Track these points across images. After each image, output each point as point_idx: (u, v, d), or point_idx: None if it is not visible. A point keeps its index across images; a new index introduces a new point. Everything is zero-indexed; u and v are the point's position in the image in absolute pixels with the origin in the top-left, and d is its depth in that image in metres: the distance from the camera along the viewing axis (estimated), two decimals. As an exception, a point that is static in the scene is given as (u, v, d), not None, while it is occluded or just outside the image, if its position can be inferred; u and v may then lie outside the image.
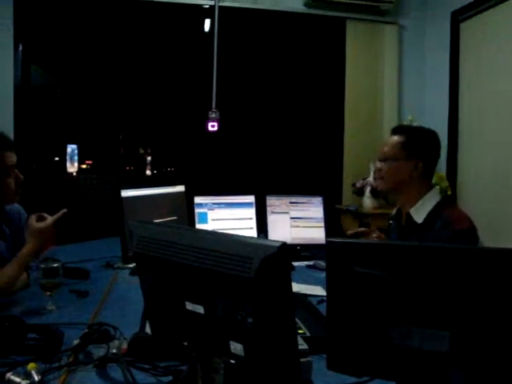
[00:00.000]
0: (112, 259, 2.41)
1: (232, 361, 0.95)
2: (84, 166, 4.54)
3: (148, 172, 5.27)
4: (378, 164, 1.96)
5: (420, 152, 1.88)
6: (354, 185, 4.19)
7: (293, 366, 0.91)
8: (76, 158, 4.30)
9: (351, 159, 4.37)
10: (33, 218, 1.81)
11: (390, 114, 4.33)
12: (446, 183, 3.77)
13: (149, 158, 4.99)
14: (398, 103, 4.40)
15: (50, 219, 1.83)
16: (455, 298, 0.86)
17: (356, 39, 4.32)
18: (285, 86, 4.91)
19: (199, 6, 4.31)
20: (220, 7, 4.22)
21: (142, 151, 5.26)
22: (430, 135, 1.94)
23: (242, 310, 0.87)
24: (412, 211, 1.87)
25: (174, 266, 0.96)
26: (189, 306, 0.97)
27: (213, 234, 1.00)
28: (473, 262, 0.86)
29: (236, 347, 0.93)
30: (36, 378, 1.10)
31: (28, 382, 1.09)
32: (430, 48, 4.42)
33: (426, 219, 1.83)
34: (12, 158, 1.81)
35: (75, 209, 4.08)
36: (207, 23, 4.46)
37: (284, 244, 0.83)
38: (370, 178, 3.84)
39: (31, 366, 1.14)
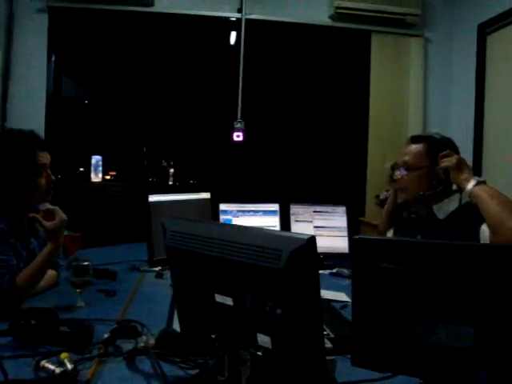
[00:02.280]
0: (137, 263, 2.46)
1: (259, 353, 0.97)
2: (108, 177, 4.62)
3: (170, 183, 5.34)
4: (398, 174, 1.95)
5: (441, 157, 1.84)
6: (377, 196, 4.17)
7: (319, 360, 0.93)
8: (100, 168, 4.38)
9: (375, 172, 4.37)
10: (41, 219, 1.77)
11: (414, 126, 4.33)
12: (471, 197, 3.73)
13: (171, 170, 5.06)
14: (423, 116, 4.40)
15: (56, 216, 1.79)
16: (479, 295, 0.88)
17: (381, 52, 4.35)
18: (309, 97, 4.96)
19: (226, 19, 4.40)
20: (246, 20, 4.30)
21: (164, 163, 5.33)
22: (448, 142, 1.93)
23: (271, 301, 0.90)
24: (435, 208, 1.88)
25: (204, 259, 1.00)
26: (218, 298, 1.00)
27: (243, 227, 1.04)
28: (497, 259, 0.87)
29: (263, 339, 0.96)
30: (69, 366, 1.14)
31: (61, 369, 1.13)
32: (456, 61, 4.43)
33: (448, 217, 1.83)
34: (43, 157, 1.84)
35: (101, 215, 4.17)
36: (233, 35, 4.54)
37: (312, 237, 0.86)
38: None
39: (64, 355, 1.18)
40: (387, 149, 4.27)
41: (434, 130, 4.10)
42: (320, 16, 4.32)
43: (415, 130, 4.29)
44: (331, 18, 4.31)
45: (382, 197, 4.15)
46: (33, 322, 1.32)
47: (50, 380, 1.10)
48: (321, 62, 4.79)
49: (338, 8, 4.15)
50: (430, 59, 4.45)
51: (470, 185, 1.72)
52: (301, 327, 0.89)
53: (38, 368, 1.15)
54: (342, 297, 1.95)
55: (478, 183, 1.71)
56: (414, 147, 1.93)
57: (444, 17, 4.45)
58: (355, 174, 4.58)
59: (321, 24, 4.36)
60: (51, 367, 1.14)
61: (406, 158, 1.93)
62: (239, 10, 4.30)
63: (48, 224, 1.77)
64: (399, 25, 4.33)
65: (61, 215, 1.80)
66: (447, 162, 1.80)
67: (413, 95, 4.37)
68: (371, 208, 4.31)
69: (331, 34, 4.47)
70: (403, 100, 4.38)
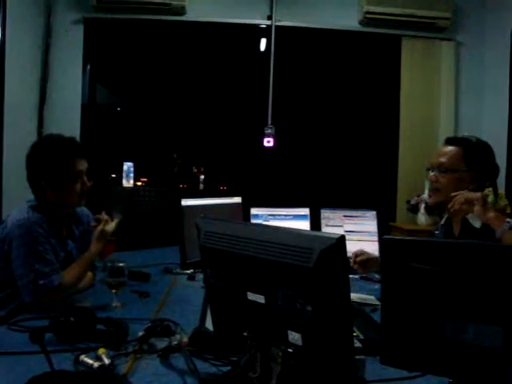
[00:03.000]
0: (170, 265, 2.51)
1: (290, 350, 0.99)
2: (139, 184, 4.71)
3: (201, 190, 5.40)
4: (432, 175, 1.93)
5: (478, 163, 1.85)
6: (408, 202, 4.15)
7: (348, 358, 0.95)
8: (132, 175, 4.45)
9: (405, 177, 4.35)
10: (105, 221, 1.95)
11: (446, 131, 4.28)
12: (505, 201, 3.68)
13: (202, 177, 5.12)
14: (455, 121, 4.35)
15: (112, 224, 1.97)
16: (508, 295, 0.88)
17: (412, 56, 4.33)
18: (340, 102, 4.96)
19: (256, 26, 4.46)
20: (276, 26, 4.34)
21: (195, 170, 5.40)
22: (485, 146, 1.91)
23: (302, 298, 0.92)
24: (469, 217, 1.85)
25: (237, 258, 1.03)
26: (250, 296, 1.03)
27: (274, 228, 1.07)
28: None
29: (294, 336, 0.98)
30: (106, 361, 1.19)
31: (99, 363, 1.17)
32: (488, 64, 4.37)
33: (483, 224, 1.80)
34: (80, 164, 1.91)
35: (133, 219, 4.25)
36: (263, 42, 4.59)
37: (342, 236, 0.88)
38: (425, 195, 3.80)
39: (101, 350, 1.23)
40: (418, 154, 4.24)
41: (465, 133, 4.07)
42: (349, 21, 4.33)
43: (447, 133, 4.24)
44: (361, 23, 4.32)
45: (412, 202, 4.15)
46: (72, 319, 1.38)
47: (91, 372, 1.15)
48: (351, 67, 4.79)
49: (367, 13, 4.16)
50: (462, 63, 4.40)
51: (502, 229, 1.66)
52: (331, 324, 0.91)
53: (77, 362, 1.20)
54: (372, 300, 1.95)
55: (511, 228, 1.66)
56: (451, 149, 1.91)
57: (475, 20, 4.40)
58: (386, 179, 4.56)
59: (350, 29, 4.37)
60: (90, 361, 1.19)
61: (442, 159, 1.90)
62: (269, 17, 4.35)
63: (108, 226, 1.95)
64: (430, 29, 4.31)
65: (114, 224, 1.99)
66: (464, 196, 1.75)
67: (444, 100, 4.33)
68: (402, 213, 4.28)
69: (361, 39, 4.47)
70: (434, 104, 4.34)
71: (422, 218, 3.94)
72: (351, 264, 2.14)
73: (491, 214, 1.71)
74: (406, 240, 1.01)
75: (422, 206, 3.95)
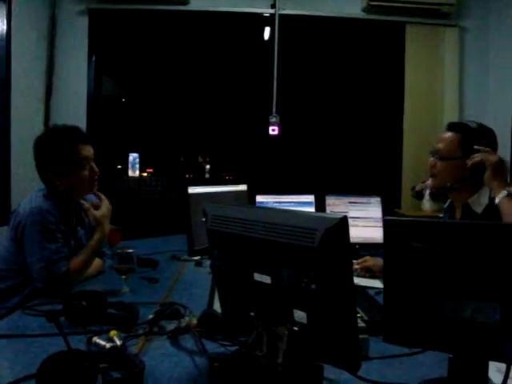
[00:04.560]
0: (177, 252, 2.55)
1: (295, 328, 1.03)
2: (145, 174, 4.74)
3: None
4: (432, 160, 1.95)
5: (475, 151, 1.82)
6: (413, 188, 4.15)
7: (352, 335, 0.98)
8: (137, 166, 4.49)
9: (410, 163, 4.36)
10: (90, 209, 1.91)
11: (450, 117, 4.27)
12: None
13: (207, 167, 5.14)
14: (459, 106, 4.35)
15: (103, 207, 1.95)
16: (505, 272, 0.91)
17: (416, 43, 4.33)
18: (344, 89, 4.97)
19: (259, 15, 4.46)
20: (280, 15, 4.35)
21: (200, 160, 5.42)
22: (486, 133, 1.90)
23: (306, 277, 0.95)
24: (470, 202, 1.87)
25: (243, 240, 1.06)
26: (257, 276, 1.06)
27: (278, 210, 1.10)
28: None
29: (299, 315, 1.02)
30: (118, 342, 1.23)
31: (111, 344, 1.21)
32: (492, 50, 4.36)
33: (485, 209, 1.82)
34: (85, 150, 1.92)
35: (140, 209, 4.30)
36: (267, 31, 4.59)
37: (345, 217, 0.91)
38: (429, 181, 3.81)
39: (113, 333, 1.27)
40: (422, 140, 4.25)
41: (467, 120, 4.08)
42: (353, 9, 4.33)
43: (451, 119, 4.23)
44: (364, 10, 4.31)
45: (417, 188, 4.13)
46: (84, 303, 1.42)
47: (105, 352, 1.19)
48: (354, 54, 4.79)
49: (371, 0, 4.15)
50: (466, 49, 4.40)
51: (501, 195, 1.71)
52: (334, 302, 0.94)
53: (89, 343, 1.24)
54: (377, 284, 1.98)
55: (509, 195, 1.69)
56: (449, 135, 1.92)
57: (480, 6, 4.39)
58: (391, 166, 4.57)
59: (354, 17, 4.37)
60: (102, 343, 1.23)
61: (440, 145, 1.93)
62: (272, 6, 4.35)
63: (96, 212, 1.91)
64: (434, 15, 4.30)
65: (107, 204, 1.96)
66: (482, 157, 1.78)
67: (448, 86, 4.33)
68: (407, 200, 4.30)
69: (365, 26, 4.46)
70: (438, 91, 4.34)
71: (427, 204, 3.92)
72: (355, 267, 2.17)
73: (495, 182, 1.73)
74: (406, 221, 1.04)
75: (427, 193, 3.93)
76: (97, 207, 1.95)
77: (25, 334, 1.34)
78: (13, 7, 3.56)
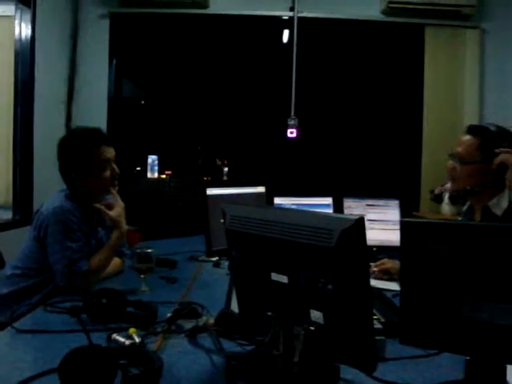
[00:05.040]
0: (196, 253, 2.58)
1: (312, 328, 1.04)
2: (163, 176, 4.78)
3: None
4: (451, 163, 1.94)
5: (495, 154, 1.80)
6: (432, 191, 4.12)
7: (368, 336, 0.98)
8: (156, 168, 4.55)
9: (429, 166, 4.34)
10: (104, 209, 1.94)
11: (471, 119, 4.25)
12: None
13: (226, 169, 5.16)
14: (480, 109, 4.31)
15: (117, 207, 1.97)
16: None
17: (435, 45, 4.31)
18: (363, 92, 4.95)
19: (278, 18, 4.48)
20: (299, 18, 4.36)
21: (219, 162, 5.45)
22: (506, 136, 1.87)
23: (323, 277, 0.96)
24: (490, 204, 1.86)
25: (261, 240, 1.08)
26: (274, 276, 1.07)
27: (296, 211, 1.11)
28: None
29: (316, 315, 1.03)
30: (137, 339, 1.25)
31: (130, 342, 1.24)
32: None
33: (505, 212, 1.80)
34: (107, 152, 1.96)
35: (158, 210, 4.34)
36: (286, 34, 4.61)
37: (361, 217, 0.92)
38: (448, 185, 3.78)
39: (132, 330, 1.30)
40: (442, 143, 4.22)
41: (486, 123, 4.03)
42: (372, 11, 4.33)
43: (471, 121, 4.20)
44: (383, 12, 4.31)
45: (437, 192, 4.09)
46: (104, 301, 1.44)
47: (125, 348, 1.21)
48: (374, 56, 4.78)
49: (390, 2, 4.15)
50: (487, 51, 4.36)
51: None
52: (351, 302, 0.95)
53: (109, 340, 1.27)
54: (394, 286, 1.98)
55: None
56: (468, 139, 1.90)
57: (501, 7, 4.35)
58: (410, 169, 4.55)
59: (373, 19, 4.36)
60: (121, 339, 1.25)
61: (459, 149, 1.91)
62: (291, 9, 4.37)
63: (111, 213, 1.94)
64: (454, 16, 4.27)
65: (119, 202, 1.98)
66: (503, 158, 1.76)
67: (469, 88, 4.29)
68: (426, 203, 4.27)
69: (384, 29, 4.45)
70: (458, 93, 4.31)
71: (446, 207, 3.88)
72: (372, 269, 2.16)
73: None
74: (424, 222, 1.05)
75: (446, 196, 3.89)
76: (110, 207, 1.98)
77: (47, 329, 1.37)
78: (37, 12, 3.63)
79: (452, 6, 4.18)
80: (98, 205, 1.95)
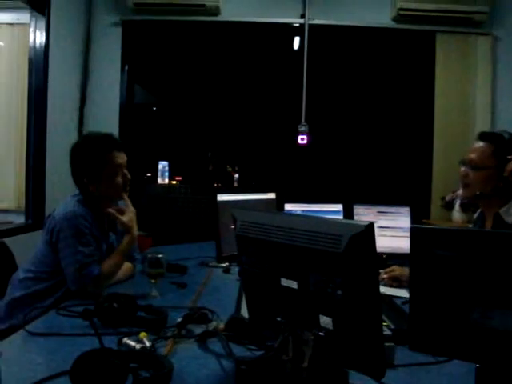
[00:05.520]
0: (206, 259, 2.59)
1: (321, 333, 1.04)
2: (174, 182, 4.80)
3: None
4: (463, 170, 1.94)
5: (509, 160, 1.82)
6: (443, 198, 4.10)
7: (377, 341, 0.99)
8: (167, 174, 4.57)
9: (440, 173, 4.32)
10: (116, 214, 1.96)
11: (482, 127, 4.22)
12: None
13: (236, 176, 5.18)
14: (491, 116, 4.29)
15: (128, 212, 1.99)
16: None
17: (446, 52, 4.30)
18: (373, 99, 4.95)
19: (289, 25, 4.50)
20: (309, 25, 4.38)
21: (229, 169, 5.47)
22: None
23: (332, 283, 0.97)
24: (502, 212, 1.85)
25: (271, 246, 1.08)
26: (284, 282, 1.08)
27: (305, 216, 1.12)
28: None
29: (325, 321, 1.03)
30: (147, 344, 1.26)
31: (141, 346, 1.25)
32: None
33: None
34: (119, 157, 1.99)
35: (170, 215, 4.36)
36: (297, 40, 4.63)
37: (371, 223, 0.93)
38: (460, 192, 3.76)
39: (143, 334, 1.31)
40: (453, 150, 4.21)
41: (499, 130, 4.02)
42: (382, 18, 4.33)
43: (483, 129, 4.19)
44: (394, 19, 4.31)
45: (448, 198, 4.08)
46: (115, 305, 1.46)
47: (135, 351, 1.22)
48: (384, 63, 4.78)
49: (400, 9, 4.15)
50: (499, 58, 4.33)
51: None
52: (360, 308, 0.96)
53: (120, 344, 1.28)
54: (404, 293, 1.97)
55: None
56: (481, 145, 1.91)
57: (513, 14, 4.33)
58: (420, 176, 4.53)
59: (383, 26, 4.36)
60: (132, 343, 1.26)
61: (472, 155, 1.91)
62: (302, 16, 4.39)
63: (123, 218, 1.96)
64: (466, 23, 4.26)
65: (131, 208, 2.01)
66: None
67: (480, 95, 4.28)
68: (436, 210, 4.25)
69: (394, 36, 4.46)
70: (470, 100, 4.30)
71: (457, 214, 3.86)
72: (382, 276, 2.16)
73: None
74: (433, 229, 1.05)
75: (457, 203, 3.88)
76: (122, 212, 1.99)
77: (59, 333, 1.39)
78: (51, 20, 3.69)
79: (463, 13, 4.17)
80: (110, 209, 1.97)
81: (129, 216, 1.98)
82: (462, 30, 4.31)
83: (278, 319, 1.13)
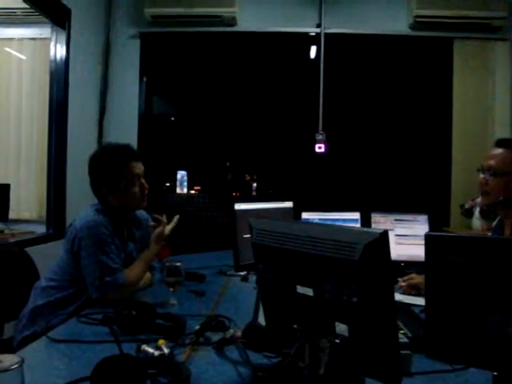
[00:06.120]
0: (224, 267, 2.61)
1: (337, 341, 1.05)
2: (193, 192, 4.83)
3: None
4: (482, 177, 1.93)
5: None
6: (462, 206, 4.08)
7: (392, 348, 0.99)
8: (186, 183, 4.60)
9: (459, 181, 4.28)
10: (165, 223, 2.07)
11: (501, 133, 4.18)
12: None
13: (254, 185, 5.20)
14: (510, 122, 4.24)
15: (169, 226, 2.08)
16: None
17: (464, 58, 4.27)
18: (391, 107, 4.95)
19: (305, 34, 4.53)
20: (326, 34, 4.40)
21: (248, 178, 5.50)
22: None
23: (348, 290, 0.98)
24: None
25: (287, 254, 1.10)
26: (300, 289, 1.09)
27: (321, 225, 1.13)
28: None
29: (341, 328, 1.04)
30: (166, 350, 1.28)
31: (159, 352, 1.27)
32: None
33: None
34: (137, 167, 2.02)
35: (189, 224, 4.39)
36: (313, 50, 4.65)
37: (385, 231, 0.94)
38: (479, 199, 3.73)
39: (161, 341, 1.33)
40: (472, 157, 4.16)
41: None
42: (399, 26, 4.32)
43: (502, 135, 4.15)
44: (410, 27, 4.30)
45: (467, 206, 4.06)
46: (134, 313, 1.48)
47: (154, 358, 1.24)
48: (401, 71, 4.78)
49: (417, 17, 4.14)
50: (518, 63, 4.29)
51: None
52: (375, 316, 0.96)
53: (139, 350, 1.30)
54: (422, 301, 1.96)
55: None
56: (500, 152, 1.90)
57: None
58: (439, 183, 4.50)
59: (400, 34, 4.36)
60: (150, 350, 1.28)
61: (491, 162, 1.90)
62: (318, 25, 4.41)
63: (161, 228, 2.05)
64: (483, 29, 4.23)
65: (171, 225, 2.10)
66: None
67: (499, 101, 4.24)
68: (456, 218, 4.21)
69: (411, 43, 4.45)
70: (488, 106, 4.26)
71: (477, 222, 3.85)
72: (400, 284, 2.16)
73: None
74: (448, 236, 1.05)
75: (477, 210, 3.87)
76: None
77: (80, 340, 1.42)
78: (71, 34, 3.77)
79: (481, 19, 4.14)
80: (159, 217, 2.05)
81: (161, 229, 2.05)
82: (480, 35, 4.27)
83: (295, 326, 1.14)
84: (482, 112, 4.27)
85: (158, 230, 2.03)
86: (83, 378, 1.09)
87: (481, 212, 3.82)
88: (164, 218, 2.07)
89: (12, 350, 1.71)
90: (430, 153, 4.76)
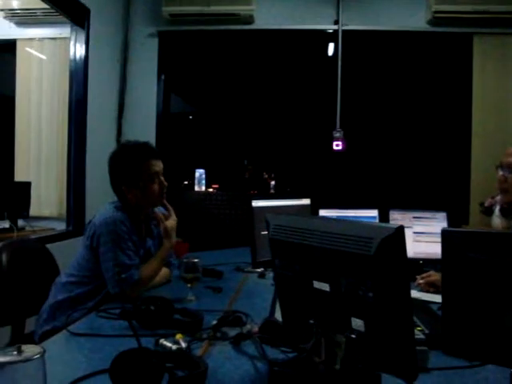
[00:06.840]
0: (242, 264, 2.62)
1: (353, 336, 1.05)
2: (211, 190, 4.86)
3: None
4: (501, 174, 1.91)
5: None
6: (481, 204, 4.02)
7: (408, 343, 0.99)
8: (204, 181, 4.63)
9: (479, 178, 4.22)
10: (163, 219, 2.05)
11: (522, 130, 4.13)
12: None
13: (272, 183, 5.20)
14: (532, 119, 4.18)
15: (171, 219, 2.08)
16: None
17: (484, 53, 4.21)
18: (409, 103, 4.91)
19: (323, 31, 4.51)
20: (343, 31, 4.38)
21: (266, 176, 5.50)
22: None
23: (364, 285, 0.98)
24: None
25: (303, 249, 1.10)
26: (316, 284, 1.10)
27: (337, 220, 1.13)
28: None
29: (357, 323, 1.04)
30: (183, 345, 1.30)
31: (177, 347, 1.28)
32: None
33: None
34: (156, 165, 2.04)
35: (207, 221, 4.42)
36: (331, 47, 4.63)
37: (401, 226, 0.93)
38: (499, 197, 3.68)
39: (179, 336, 1.34)
40: (492, 154, 4.09)
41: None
42: (417, 22, 4.28)
43: (523, 134, 4.10)
44: (429, 23, 4.25)
45: (487, 204, 3.99)
46: (152, 307, 1.50)
47: (172, 352, 1.26)
48: (420, 67, 4.73)
49: (436, 12, 4.10)
50: (540, 58, 4.22)
51: None
52: (391, 311, 0.96)
53: (157, 344, 1.32)
54: (439, 299, 1.94)
55: None
56: None
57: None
58: (459, 181, 4.45)
59: (418, 30, 4.32)
60: (168, 344, 1.30)
61: (511, 159, 1.89)
62: (336, 22, 4.39)
63: (167, 224, 2.03)
64: (504, 24, 4.15)
65: (173, 216, 2.08)
66: None
67: (520, 98, 4.17)
68: (475, 216, 4.16)
69: (430, 39, 4.40)
70: (509, 104, 4.19)
71: (497, 220, 3.78)
72: (418, 281, 2.15)
73: None
74: (465, 231, 1.05)
75: (497, 208, 3.80)
76: (166, 218, 2.07)
77: (99, 333, 1.44)
78: (90, 33, 3.82)
79: (502, 14, 4.07)
80: (158, 213, 2.04)
81: (171, 223, 2.06)
82: (500, 30, 4.21)
83: (311, 322, 1.15)
84: (502, 109, 4.21)
85: (162, 225, 2.04)
86: (102, 371, 1.11)
87: (501, 210, 3.76)
88: (158, 214, 2.06)
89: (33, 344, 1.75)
90: (449, 150, 4.71)
